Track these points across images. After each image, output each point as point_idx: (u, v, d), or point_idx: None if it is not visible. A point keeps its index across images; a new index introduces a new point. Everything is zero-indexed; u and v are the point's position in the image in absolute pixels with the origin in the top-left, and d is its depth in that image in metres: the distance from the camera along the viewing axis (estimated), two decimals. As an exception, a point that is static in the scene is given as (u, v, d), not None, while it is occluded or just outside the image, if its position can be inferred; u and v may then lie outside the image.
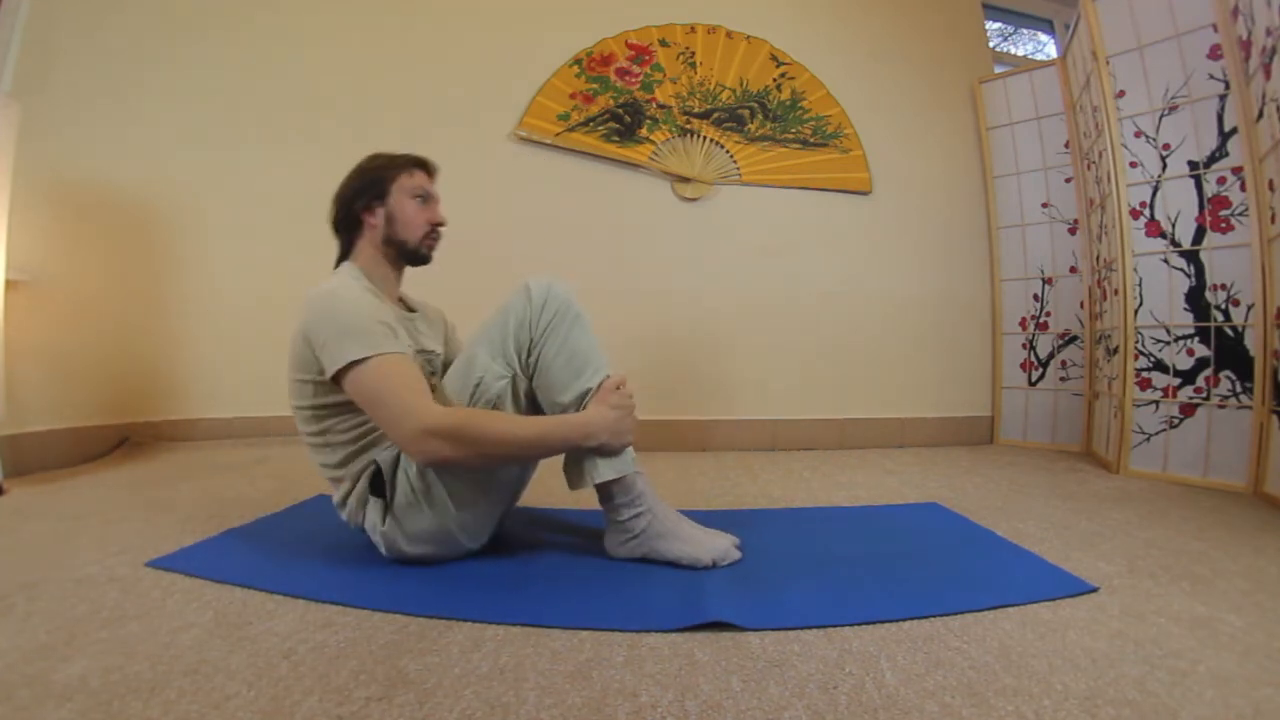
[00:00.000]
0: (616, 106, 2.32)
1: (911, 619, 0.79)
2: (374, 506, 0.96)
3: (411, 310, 1.13)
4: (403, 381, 0.88)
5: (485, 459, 0.91)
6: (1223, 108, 1.66)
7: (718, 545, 0.98)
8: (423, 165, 1.09)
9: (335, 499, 1.01)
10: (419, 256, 1.07)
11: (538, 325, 0.97)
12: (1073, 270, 2.28)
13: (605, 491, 0.98)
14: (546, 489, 1.56)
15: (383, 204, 1.04)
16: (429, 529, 0.94)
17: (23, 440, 1.65)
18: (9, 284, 1.57)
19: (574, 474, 0.98)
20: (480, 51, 2.32)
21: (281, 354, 0.96)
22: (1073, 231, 2.28)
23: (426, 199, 1.08)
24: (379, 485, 0.95)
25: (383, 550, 0.97)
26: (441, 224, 1.09)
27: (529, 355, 0.97)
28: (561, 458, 0.99)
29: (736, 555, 0.99)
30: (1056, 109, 2.31)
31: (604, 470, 0.95)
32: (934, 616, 0.80)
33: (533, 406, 1.00)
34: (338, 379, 0.89)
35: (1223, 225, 1.67)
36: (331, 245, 1.11)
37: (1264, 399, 1.53)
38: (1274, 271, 1.52)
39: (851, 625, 0.77)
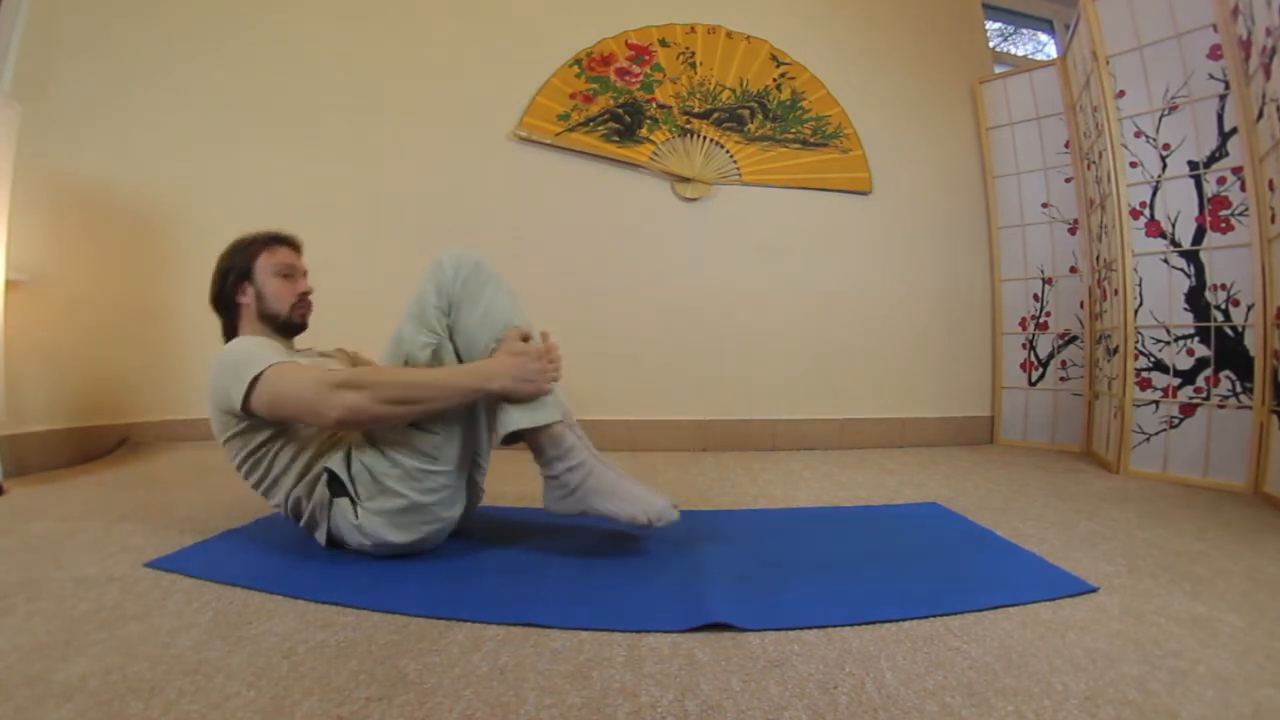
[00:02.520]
0: (616, 106, 2.32)
1: (911, 619, 0.79)
2: (341, 508, 0.97)
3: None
4: (299, 373, 0.95)
5: (394, 404, 0.92)
6: (1223, 108, 1.66)
7: (655, 504, 0.99)
8: (283, 241, 1.16)
9: (305, 524, 1.03)
10: (293, 326, 1.13)
11: (454, 288, 0.99)
12: (1073, 270, 2.28)
13: (533, 444, 1.00)
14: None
15: (250, 283, 1.11)
16: (401, 505, 0.96)
17: (23, 440, 1.65)
18: (9, 284, 1.57)
19: (494, 425, 1.00)
20: (480, 51, 2.32)
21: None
22: (1073, 231, 2.28)
23: (290, 274, 1.14)
24: (338, 486, 0.97)
25: (369, 546, 0.98)
26: (307, 293, 1.16)
27: (448, 318, 0.99)
28: None
29: (674, 515, 1.00)
30: (1056, 109, 2.31)
31: (516, 418, 0.96)
32: (934, 616, 0.80)
33: None
34: (247, 405, 0.94)
35: (1223, 225, 1.67)
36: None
37: (1264, 399, 1.53)
38: (1274, 271, 1.52)
39: (851, 625, 0.77)
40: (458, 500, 1.03)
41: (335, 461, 0.99)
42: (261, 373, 0.94)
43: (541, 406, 0.98)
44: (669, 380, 2.28)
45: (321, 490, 0.99)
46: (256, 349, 0.99)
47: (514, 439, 0.99)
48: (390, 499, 0.96)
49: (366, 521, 0.96)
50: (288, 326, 1.13)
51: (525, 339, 1.00)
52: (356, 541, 0.99)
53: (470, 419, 1.02)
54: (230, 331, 1.14)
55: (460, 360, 1.00)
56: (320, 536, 1.02)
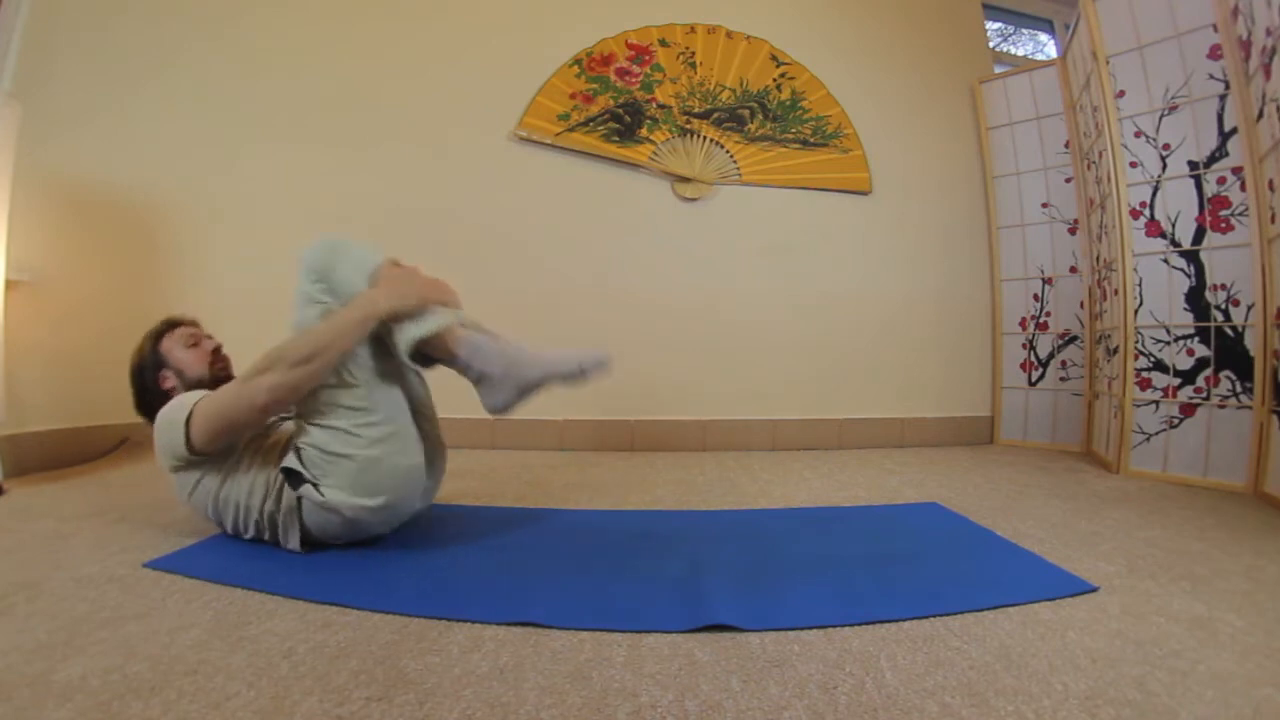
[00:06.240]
0: (616, 106, 2.32)
1: (911, 619, 0.79)
2: (307, 495, 0.98)
3: None
4: (216, 393, 1.01)
5: (304, 364, 0.95)
6: (1223, 108, 1.66)
7: (579, 352, 1.03)
8: (177, 323, 1.20)
9: (280, 533, 1.03)
10: (219, 381, 1.14)
11: (320, 262, 1.02)
12: (1073, 270, 2.28)
13: (445, 357, 1.04)
14: (545, 490, 1.56)
15: (166, 367, 1.15)
16: (355, 467, 0.98)
17: (23, 440, 1.65)
18: (9, 284, 1.57)
19: (400, 351, 1.01)
20: (480, 51, 2.31)
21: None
22: (1073, 231, 2.28)
23: (196, 341, 1.19)
24: (296, 479, 0.99)
25: (344, 523, 0.99)
26: (219, 348, 1.20)
27: (325, 284, 1.01)
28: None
29: (604, 357, 1.05)
30: (1056, 109, 2.31)
31: (411, 331, 1.00)
32: (934, 616, 0.80)
33: None
34: (191, 446, 0.99)
35: (1223, 225, 1.67)
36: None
37: (1264, 399, 1.53)
38: (1274, 271, 1.52)
39: (851, 625, 0.77)
40: (409, 447, 1.04)
41: (287, 461, 1.00)
42: (190, 412, 0.99)
43: (430, 315, 1.02)
44: (669, 380, 2.28)
45: (288, 495, 1.00)
46: (180, 400, 1.04)
47: (424, 361, 1.05)
48: (342, 464, 0.98)
49: (332, 496, 0.98)
50: (215, 384, 1.14)
51: (397, 264, 1.05)
52: (333, 526, 1.00)
53: (387, 361, 1.04)
54: None
55: None
56: (294, 541, 1.02)
